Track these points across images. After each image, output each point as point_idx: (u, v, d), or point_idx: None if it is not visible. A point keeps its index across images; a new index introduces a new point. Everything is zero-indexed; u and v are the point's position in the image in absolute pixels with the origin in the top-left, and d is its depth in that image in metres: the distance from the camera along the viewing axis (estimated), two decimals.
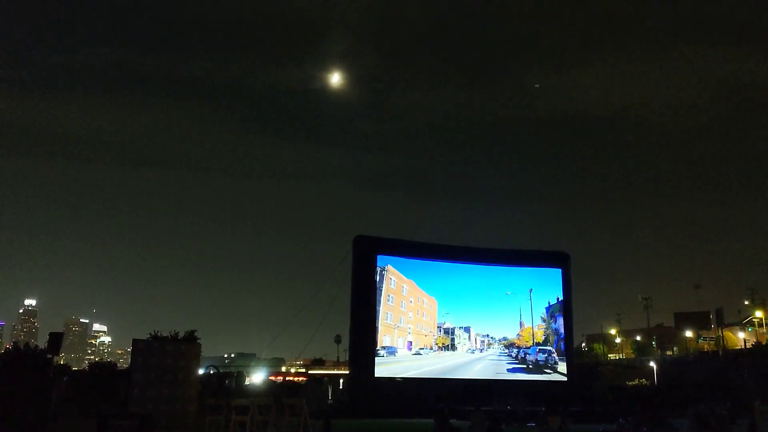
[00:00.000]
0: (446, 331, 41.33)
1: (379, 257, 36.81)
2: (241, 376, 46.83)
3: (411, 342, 39.06)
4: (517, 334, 40.92)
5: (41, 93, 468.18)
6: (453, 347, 40.53)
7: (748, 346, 62.51)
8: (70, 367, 54.55)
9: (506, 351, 40.19)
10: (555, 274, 40.68)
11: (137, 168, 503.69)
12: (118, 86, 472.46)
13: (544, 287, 40.60)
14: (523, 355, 40.00)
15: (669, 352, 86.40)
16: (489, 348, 40.15)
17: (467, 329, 40.96)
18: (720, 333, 74.81)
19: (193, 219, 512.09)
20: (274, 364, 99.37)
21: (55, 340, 18.67)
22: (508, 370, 38.84)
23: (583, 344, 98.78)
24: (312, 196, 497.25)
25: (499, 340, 40.29)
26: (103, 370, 37.01)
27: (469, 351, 40.67)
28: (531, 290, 40.70)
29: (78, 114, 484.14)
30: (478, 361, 39.85)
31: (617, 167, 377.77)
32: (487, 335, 40.36)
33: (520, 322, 40.80)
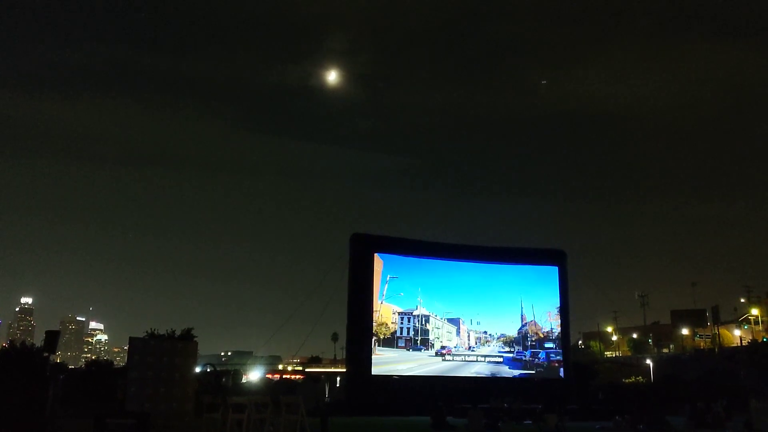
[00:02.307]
0: (416, 320, 35.56)
1: (376, 255, 36.75)
2: (237, 374, 46.86)
3: None
4: (523, 327, 38.73)
5: (39, 92, 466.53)
6: (425, 343, 35.88)
7: (744, 344, 62.81)
8: (66, 366, 54.40)
9: (512, 350, 38.32)
10: (552, 272, 40.56)
11: (134, 167, 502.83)
12: (117, 85, 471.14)
13: (541, 285, 40.44)
14: (530, 356, 38.21)
15: (665, 350, 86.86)
16: (486, 345, 38.66)
17: (455, 321, 37.63)
18: (716, 331, 75.14)
19: (190, 217, 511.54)
20: (271, 362, 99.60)
21: (52, 339, 18.62)
22: (507, 367, 38.37)
23: (580, 342, 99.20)
24: (309, 194, 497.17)
25: (498, 337, 39.48)
26: (99, 368, 36.90)
27: (441, 351, 35.18)
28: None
29: (76, 113, 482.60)
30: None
31: (614, 164, 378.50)
32: (485, 332, 38.94)
33: (522, 316, 39.23)
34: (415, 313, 36.87)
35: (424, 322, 36.31)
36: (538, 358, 38.97)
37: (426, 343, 36.90)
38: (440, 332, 37.61)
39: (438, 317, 37.43)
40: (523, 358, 38.81)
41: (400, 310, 36.89)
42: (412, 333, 36.60)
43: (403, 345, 36.46)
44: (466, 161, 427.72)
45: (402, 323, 36.63)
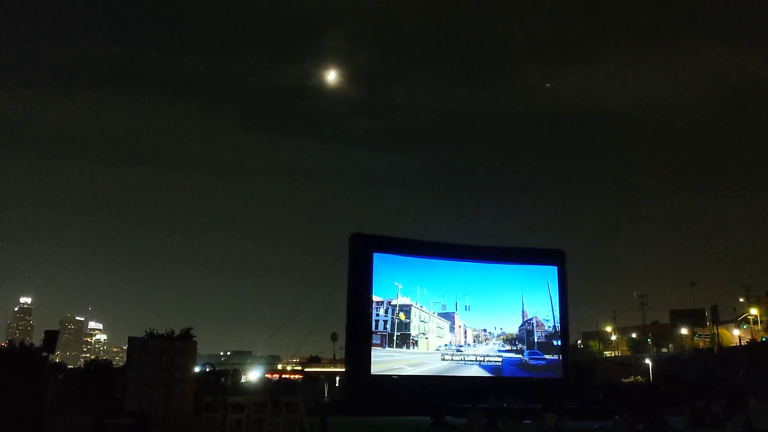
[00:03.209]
0: (394, 311, 30.57)
1: (375, 255, 36.67)
2: (237, 374, 46.79)
3: None
4: (525, 323, 37.98)
5: (37, 91, 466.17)
6: (406, 340, 31.81)
7: (742, 344, 62.87)
8: (65, 365, 54.31)
9: (514, 348, 37.60)
10: (551, 272, 40.48)
11: (134, 166, 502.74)
12: (116, 84, 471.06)
13: (541, 285, 40.35)
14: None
15: (664, 350, 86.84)
16: (485, 344, 37.94)
17: (449, 316, 35.29)
18: (715, 330, 75.10)
19: (189, 217, 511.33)
20: (270, 362, 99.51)
21: (51, 338, 18.57)
22: (505, 368, 38.22)
23: (579, 342, 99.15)
24: (308, 193, 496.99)
25: (498, 335, 38.69)
26: (98, 368, 36.88)
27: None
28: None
29: (74, 112, 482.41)
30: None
31: (613, 164, 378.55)
32: (485, 330, 38.32)
33: (524, 313, 38.55)
34: (393, 302, 32.67)
35: (395, 313, 31.42)
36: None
37: (407, 340, 33.07)
38: (427, 327, 33.81)
39: (425, 309, 33.22)
40: (556, 365, 37.31)
41: (378, 299, 33.13)
42: (389, 327, 32.33)
43: (379, 342, 33.04)
44: (467, 161, 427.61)
45: (377, 315, 32.26)
